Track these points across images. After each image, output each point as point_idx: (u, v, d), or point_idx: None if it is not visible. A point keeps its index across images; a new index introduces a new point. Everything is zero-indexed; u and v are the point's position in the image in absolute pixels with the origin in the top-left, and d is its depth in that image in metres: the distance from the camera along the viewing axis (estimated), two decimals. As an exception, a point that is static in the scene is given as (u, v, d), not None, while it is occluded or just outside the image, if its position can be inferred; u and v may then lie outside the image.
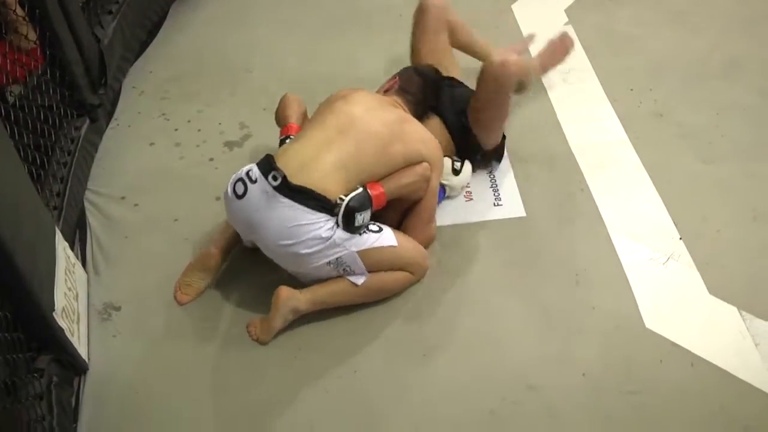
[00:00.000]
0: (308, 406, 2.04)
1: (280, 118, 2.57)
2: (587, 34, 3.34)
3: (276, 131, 2.54)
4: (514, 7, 3.59)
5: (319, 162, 2.16)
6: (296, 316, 2.19)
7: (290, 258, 2.16)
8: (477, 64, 2.60)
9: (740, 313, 2.17)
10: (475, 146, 2.61)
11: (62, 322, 1.95)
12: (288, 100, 2.57)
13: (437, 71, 2.64)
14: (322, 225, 2.10)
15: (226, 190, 2.19)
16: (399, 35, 3.39)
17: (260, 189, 2.12)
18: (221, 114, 3.06)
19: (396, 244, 2.22)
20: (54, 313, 1.91)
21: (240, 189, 2.15)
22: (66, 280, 2.09)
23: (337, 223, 2.12)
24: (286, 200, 2.09)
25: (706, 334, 2.14)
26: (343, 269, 2.17)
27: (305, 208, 2.09)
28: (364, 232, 2.18)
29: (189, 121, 3.04)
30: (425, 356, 2.14)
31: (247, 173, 2.16)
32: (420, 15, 2.82)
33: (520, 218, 2.54)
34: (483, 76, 2.48)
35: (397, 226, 2.36)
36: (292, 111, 2.53)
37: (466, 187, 2.64)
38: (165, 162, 2.85)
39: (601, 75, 3.11)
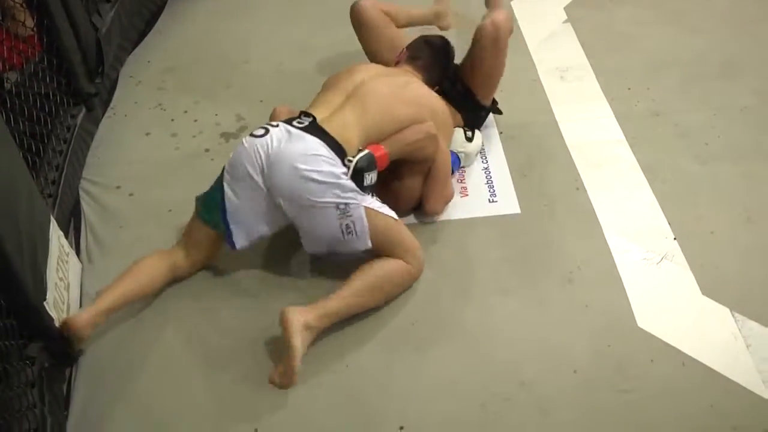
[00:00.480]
0: (301, 399, 2.03)
1: None
2: (586, 33, 3.35)
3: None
4: (513, 4, 3.59)
5: (334, 120, 2.25)
6: (313, 336, 2.06)
7: (301, 188, 2.12)
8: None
9: (732, 314, 2.17)
10: (477, 107, 2.71)
11: (53, 312, 1.94)
12: (277, 111, 2.52)
13: (443, 38, 2.71)
14: (339, 166, 2.16)
15: (237, 149, 2.20)
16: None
17: (284, 129, 2.20)
18: (218, 105, 3.06)
19: (396, 218, 2.25)
20: (45, 303, 1.90)
21: (260, 131, 2.20)
22: (58, 269, 2.08)
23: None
24: (309, 137, 2.17)
25: (698, 334, 2.14)
26: (347, 225, 2.14)
27: (327, 147, 2.16)
28: (371, 194, 2.23)
29: (185, 112, 3.03)
30: (418, 350, 2.14)
31: (267, 124, 2.24)
32: (357, 17, 2.87)
33: (514, 215, 2.54)
34: (480, 40, 2.61)
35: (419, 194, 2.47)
36: (282, 117, 2.46)
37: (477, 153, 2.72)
38: (161, 152, 2.85)
39: (599, 73, 3.11)
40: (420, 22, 3.05)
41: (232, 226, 2.20)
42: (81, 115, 2.79)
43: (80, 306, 2.24)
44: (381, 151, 2.27)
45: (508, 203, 2.58)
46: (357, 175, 2.18)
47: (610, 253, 2.38)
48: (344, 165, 2.18)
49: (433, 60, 2.63)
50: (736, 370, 2.04)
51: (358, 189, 2.17)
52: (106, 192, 2.66)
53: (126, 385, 2.07)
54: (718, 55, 3.22)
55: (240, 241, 2.22)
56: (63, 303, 2.07)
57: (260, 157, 2.15)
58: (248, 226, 2.21)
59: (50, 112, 2.60)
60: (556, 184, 2.63)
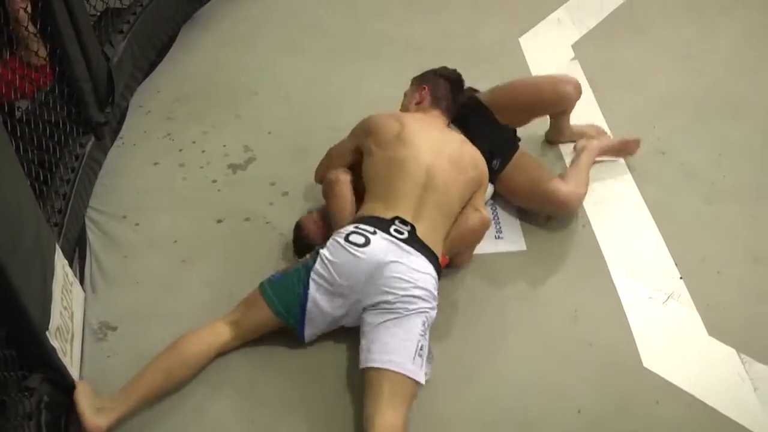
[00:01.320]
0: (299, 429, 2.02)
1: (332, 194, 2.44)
2: (593, 70, 3.36)
3: (282, 156, 2.53)
4: (522, 40, 3.62)
5: (423, 223, 2.18)
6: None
7: (391, 296, 2.04)
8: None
9: (739, 356, 2.15)
10: (504, 130, 2.68)
11: (55, 342, 1.93)
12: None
13: (455, 71, 2.65)
14: (435, 280, 2.14)
15: (330, 248, 2.11)
16: (405, 64, 3.42)
17: (384, 238, 2.11)
18: (226, 136, 3.07)
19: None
20: (47, 332, 1.89)
21: (360, 240, 2.09)
22: (63, 298, 2.08)
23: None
24: (413, 251, 2.11)
25: (704, 375, 2.12)
26: (422, 345, 2.02)
27: (428, 262, 2.13)
28: None
29: (194, 142, 3.05)
30: (421, 387, 2.12)
31: (356, 228, 2.13)
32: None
33: (520, 252, 2.54)
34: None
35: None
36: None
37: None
38: (168, 182, 2.86)
39: (606, 111, 3.12)
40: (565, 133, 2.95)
41: (306, 326, 2.14)
42: (90, 144, 2.80)
43: (83, 335, 2.23)
44: (444, 260, 2.29)
45: (515, 240, 2.58)
46: None
47: (616, 291, 2.37)
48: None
49: (453, 98, 2.56)
50: (742, 413, 2.02)
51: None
52: (112, 221, 2.67)
53: (124, 419, 2.04)
54: (724, 95, 3.23)
55: (309, 336, 2.17)
56: (67, 332, 2.07)
57: (361, 272, 2.07)
58: (322, 325, 2.16)
59: (59, 141, 2.62)
60: (563, 222, 2.63)
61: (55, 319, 1.96)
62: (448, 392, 2.11)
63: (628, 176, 2.81)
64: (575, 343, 2.23)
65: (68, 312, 2.11)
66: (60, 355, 1.95)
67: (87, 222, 2.66)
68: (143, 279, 2.46)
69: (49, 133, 2.54)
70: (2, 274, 1.68)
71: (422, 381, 1.99)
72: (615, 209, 2.68)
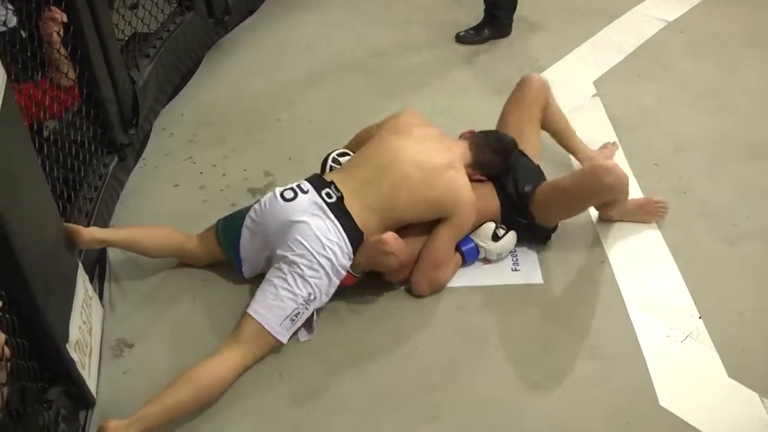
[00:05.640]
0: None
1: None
2: (614, 107, 3.37)
3: (299, 179, 2.55)
4: (543, 75, 3.63)
5: (361, 197, 2.36)
6: None
7: (291, 253, 2.26)
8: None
9: (761, 399, 2.12)
10: (524, 220, 2.59)
11: (74, 355, 1.95)
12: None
13: (515, 144, 2.62)
14: (343, 254, 2.30)
15: (268, 196, 2.38)
16: (427, 95, 3.46)
17: (310, 199, 2.34)
18: (247, 160, 3.10)
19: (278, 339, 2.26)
20: (67, 345, 1.91)
21: (289, 194, 2.36)
22: (82, 313, 2.09)
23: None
24: (333, 217, 2.31)
25: (723, 418, 2.09)
26: (298, 313, 2.23)
27: (343, 233, 2.30)
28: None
29: (214, 166, 3.08)
30: (434, 419, 2.11)
31: (298, 185, 2.38)
32: (519, 86, 2.83)
33: (537, 285, 2.53)
34: (582, 171, 2.59)
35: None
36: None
37: (505, 255, 2.61)
38: (188, 204, 2.88)
39: (626, 149, 3.12)
40: (563, 143, 2.93)
41: (242, 262, 2.43)
42: (113, 164, 2.84)
43: (100, 351, 2.25)
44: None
45: (531, 273, 2.57)
46: None
47: (633, 329, 2.35)
48: (350, 257, 2.32)
49: (488, 146, 2.56)
50: (762, 458, 1.98)
51: (330, 291, 2.31)
52: (132, 240, 2.68)
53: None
54: (747, 135, 3.21)
55: (247, 273, 2.46)
56: (86, 346, 2.08)
57: (276, 222, 2.32)
58: (254, 263, 2.43)
59: (84, 160, 2.66)
60: (581, 257, 2.62)
61: (75, 333, 1.98)
62: (461, 423, 2.10)
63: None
64: (590, 380, 2.21)
65: (87, 326, 2.13)
66: (78, 367, 1.97)
67: (108, 241, 2.68)
68: (161, 298, 2.47)
69: (74, 152, 2.58)
70: (26, 286, 1.71)
71: (284, 341, 2.23)
72: (634, 246, 2.66)
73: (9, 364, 1.67)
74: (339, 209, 2.33)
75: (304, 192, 2.36)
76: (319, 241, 2.26)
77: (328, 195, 2.35)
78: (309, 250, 2.25)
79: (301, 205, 2.32)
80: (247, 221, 2.39)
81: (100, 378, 2.19)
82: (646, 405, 2.13)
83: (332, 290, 2.32)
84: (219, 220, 2.49)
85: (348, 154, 2.64)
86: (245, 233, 2.39)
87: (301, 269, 2.23)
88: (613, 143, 3.08)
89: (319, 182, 2.40)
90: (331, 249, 2.27)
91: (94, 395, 2.11)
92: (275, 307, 2.20)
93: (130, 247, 2.46)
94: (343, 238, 2.30)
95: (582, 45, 3.86)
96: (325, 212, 2.31)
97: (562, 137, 2.92)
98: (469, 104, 2.88)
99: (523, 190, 2.56)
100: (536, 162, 2.71)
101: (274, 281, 2.24)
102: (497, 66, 3.71)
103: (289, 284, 2.22)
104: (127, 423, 1.93)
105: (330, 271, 2.27)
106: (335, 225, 2.30)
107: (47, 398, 1.87)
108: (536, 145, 2.78)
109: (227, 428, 2.09)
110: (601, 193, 2.50)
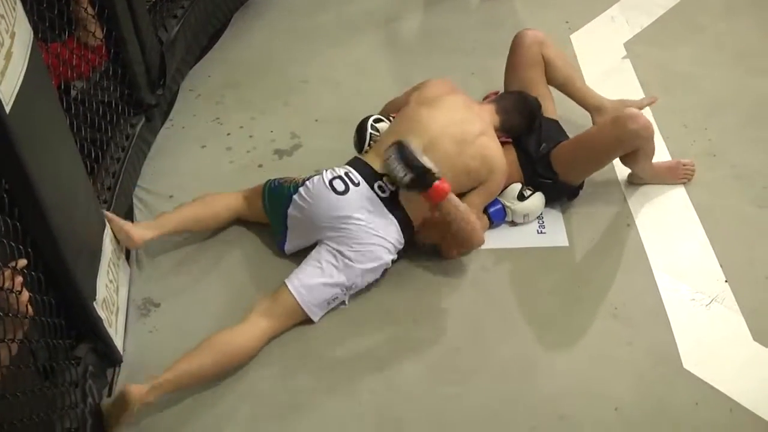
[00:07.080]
0: (338, 414, 2.04)
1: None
2: (644, 70, 3.31)
3: (328, 144, 2.57)
4: (573, 37, 3.58)
5: None
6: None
7: (345, 247, 2.25)
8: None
9: (786, 363, 2.11)
10: (547, 180, 2.57)
11: (102, 312, 1.99)
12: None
13: (540, 105, 2.61)
14: (395, 249, 2.32)
15: (316, 181, 2.31)
16: (454, 56, 3.42)
17: (363, 194, 2.30)
18: (273, 122, 3.10)
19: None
20: (94, 303, 1.95)
21: (340, 186, 2.30)
22: (109, 271, 2.13)
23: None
24: (388, 213, 2.30)
25: (747, 380, 2.09)
26: (336, 298, 2.26)
27: (399, 228, 2.30)
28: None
29: (241, 127, 3.08)
30: (461, 379, 2.13)
31: (347, 174, 2.33)
32: (512, 51, 2.80)
33: (562, 247, 2.52)
34: (604, 120, 2.54)
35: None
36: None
37: (533, 217, 2.59)
38: (215, 165, 2.90)
39: (656, 111, 3.05)
40: (571, 94, 2.84)
41: (286, 241, 2.41)
42: (140, 125, 2.85)
43: (127, 309, 2.29)
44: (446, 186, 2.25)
45: (557, 236, 2.56)
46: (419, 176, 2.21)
47: (658, 291, 2.34)
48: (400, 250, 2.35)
49: (515, 109, 2.56)
50: (787, 421, 1.98)
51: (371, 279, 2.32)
52: (158, 200, 2.71)
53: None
54: (781, 97, 3.14)
55: (289, 251, 2.43)
56: (113, 305, 2.12)
57: (326, 213, 2.28)
58: (298, 244, 2.41)
59: (111, 121, 2.67)
60: (607, 220, 2.60)
61: (102, 291, 2.01)
62: (485, 384, 2.12)
63: (676, 176, 2.76)
64: (614, 341, 2.21)
65: (114, 285, 2.16)
66: (105, 325, 2.00)
67: (134, 200, 2.71)
68: (187, 258, 2.50)
69: (101, 112, 2.60)
70: (54, 244, 1.74)
71: (316, 320, 2.24)
72: (661, 209, 2.64)
73: (28, 323, 1.64)
74: (393, 204, 2.31)
75: (356, 184, 2.31)
76: (374, 236, 2.26)
77: (381, 189, 2.31)
78: (363, 243, 2.24)
79: (355, 202, 2.28)
80: (293, 209, 2.34)
81: (126, 336, 2.23)
82: (670, 368, 2.13)
83: (373, 278, 2.33)
84: (265, 185, 2.47)
85: (383, 120, 2.61)
86: (292, 217, 2.36)
87: (351, 260, 2.23)
88: (650, 98, 2.96)
89: (368, 171, 2.34)
90: (383, 246, 2.28)
91: (121, 353, 2.16)
92: (316, 289, 2.21)
93: (188, 229, 2.49)
94: (398, 232, 2.31)
95: (612, 6, 3.77)
96: (379, 208, 2.29)
97: (569, 87, 2.84)
98: (500, 66, 2.85)
99: (543, 149, 2.55)
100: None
101: (322, 264, 2.23)
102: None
103: (336, 271, 2.22)
104: (149, 388, 1.94)
105: (378, 265, 2.28)
106: (392, 221, 2.30)
107: (75, 355, 1.92)
108: (549, 107, 2.74)
109: (257, 384, 2.13)
110: (625, 142, 2.43)
